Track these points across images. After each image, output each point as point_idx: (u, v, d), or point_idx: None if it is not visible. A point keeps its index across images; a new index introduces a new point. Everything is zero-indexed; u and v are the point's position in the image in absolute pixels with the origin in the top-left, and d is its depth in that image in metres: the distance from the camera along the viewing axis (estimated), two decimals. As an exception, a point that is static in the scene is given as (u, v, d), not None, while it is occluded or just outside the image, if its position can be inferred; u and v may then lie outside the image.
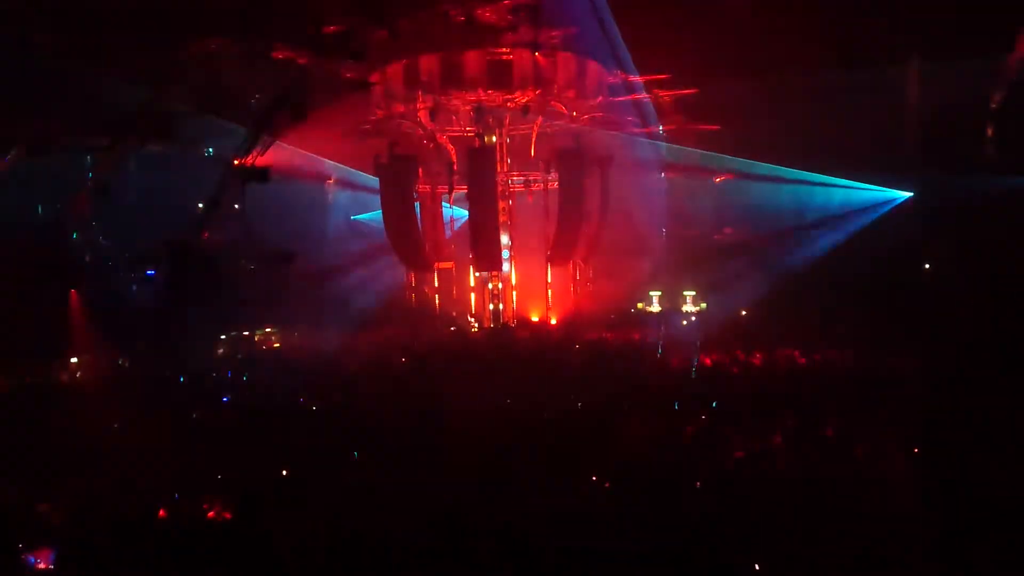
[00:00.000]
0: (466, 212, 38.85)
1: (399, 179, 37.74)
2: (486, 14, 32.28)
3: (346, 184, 45.47)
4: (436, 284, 39.94)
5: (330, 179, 45.34)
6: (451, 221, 41.19)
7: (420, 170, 38.85)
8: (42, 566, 12.86)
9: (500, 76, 35.46)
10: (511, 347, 33.88)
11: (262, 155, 30.32)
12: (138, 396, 24.35)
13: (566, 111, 37.76)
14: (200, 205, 31.52)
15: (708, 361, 28.67)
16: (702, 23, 32.02)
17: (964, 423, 17.81)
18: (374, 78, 36.19)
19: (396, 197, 37.94)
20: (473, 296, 40.04)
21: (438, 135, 38.99)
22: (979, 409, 18.59)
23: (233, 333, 37.26)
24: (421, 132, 38.66)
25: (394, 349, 33.98)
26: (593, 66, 37.49)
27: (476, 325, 38.35)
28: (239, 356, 34.32)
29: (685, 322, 42.17)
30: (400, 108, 37.34)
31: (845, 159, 37.68)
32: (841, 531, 12.88)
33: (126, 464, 17.19)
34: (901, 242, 37.23)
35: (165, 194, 34.57)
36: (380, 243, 40.43)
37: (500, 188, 37.99)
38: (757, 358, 29.18)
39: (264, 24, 29.90)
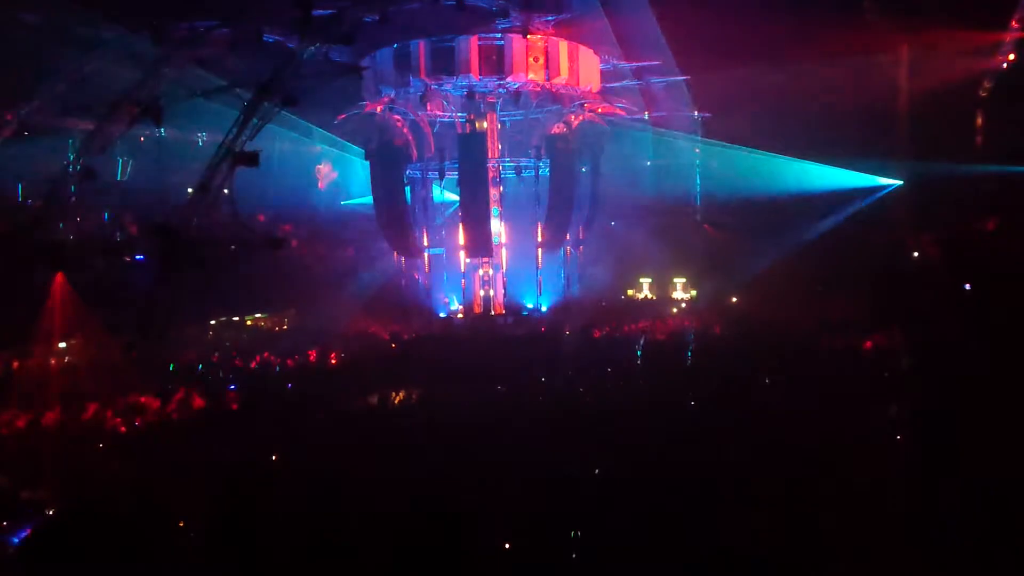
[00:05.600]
0: (457, 198, 38.74)
1: (389, 165, 37.56)
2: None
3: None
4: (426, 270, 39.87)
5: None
6: (442, 207, 41.09)
7: (411, 156, 38.71)
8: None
9: (493, 61, 35.32)
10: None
11: (252, 139, 30.07)
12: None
13: (561, 98, 37.54)
14: (189, 190, 31.29)
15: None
16: (693, 11, 31.92)
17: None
18: (364, 63, 35.96)
19: (386, 183, 37.77)
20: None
21: (429, 121, 38.75)
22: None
23: (223, 319, 37.24)
24: (412, 117, 38.39)
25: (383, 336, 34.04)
26: (588, 51, 37.37)
27: (462, 313, 38.30)
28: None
29: (675, 309, 42.40)
30: (390, 93, 37.12)
31: (835, 148, 37.76)
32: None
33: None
34: (889, 230, 37.43)
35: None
36: (370, 228, 40.37)
37: (491, 174, 37.87)
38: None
39: (254, 6, 29.61)
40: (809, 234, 39.57)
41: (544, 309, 38.80)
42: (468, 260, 38.31)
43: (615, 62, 38.97)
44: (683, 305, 43.45)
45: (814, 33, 32.69)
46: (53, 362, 29.81)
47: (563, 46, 36.19)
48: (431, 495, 13.71)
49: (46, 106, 29.94)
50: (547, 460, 16.24)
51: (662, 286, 45.76)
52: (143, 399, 23.38)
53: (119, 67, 29.06)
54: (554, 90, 36.87)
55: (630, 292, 46.00)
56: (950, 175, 35.13)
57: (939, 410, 18.01)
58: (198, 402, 23.34)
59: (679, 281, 45.28)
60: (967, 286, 32.11)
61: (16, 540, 13.02)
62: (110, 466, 17.34)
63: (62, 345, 31.19)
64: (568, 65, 36.45)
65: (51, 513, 14.23)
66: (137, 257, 32.66)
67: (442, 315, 38.70)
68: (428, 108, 37.79)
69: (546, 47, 35.86)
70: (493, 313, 38.50)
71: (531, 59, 35.54)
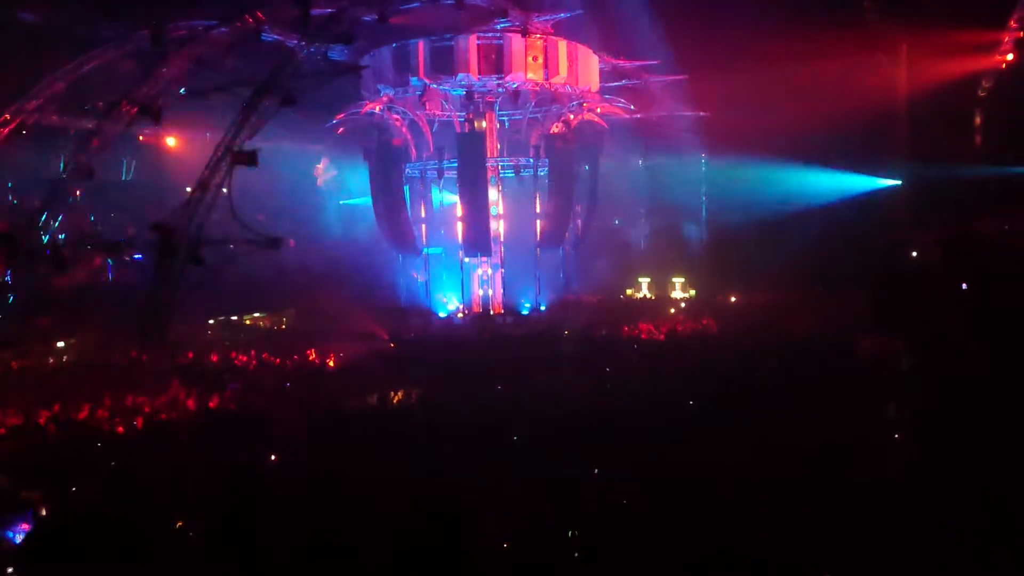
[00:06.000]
0: (455, 199, 38.69)
1: (388, 164, 37.53)
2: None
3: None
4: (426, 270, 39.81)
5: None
6: (440, 206, 41.02)
7: (410, 155, 38.76)
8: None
9: (492, 60, 35.28)
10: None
11: (250, 138, 30.03)
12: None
13: (560, 97, 37.46)
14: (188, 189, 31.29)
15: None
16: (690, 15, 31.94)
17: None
18: (364, 62, 35.90)
19: (385, 182, 37.72)
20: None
21: (428, 120, 38.71)
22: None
23: (222, 318, 37.19)
24: (411, 117, 38.36)
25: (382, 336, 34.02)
26: (587, 51, 37.34)
27: (463, 313, 38.24)
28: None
29: (673, 309, 42.41)
30: (389, 92, 37.06)
31: (832, 152, 37.76)
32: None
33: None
34: (889, 231, 37.42)
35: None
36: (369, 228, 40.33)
37: (490, 173, 37.82)
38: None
39: (253, 5, 29.58)
40: (809, 234, 39.54)
41: (543, 309, 38.76)
42: (467, 259, 38.24)
43: (614, 62, 38.99)
44: (682, 305, 43.43)
45: (811, 36, 32.71)
46: (51, 361, 29.81)
47: (562, 46, 36.16)
48: (431, 495, 13.67)
49: (45, 105, 29.88)
50: (547, 460, 16.24)
51: (661, 285, 45.76)
52: (139, 399, 23.36)
53: (118, 66, 29.03)
54: (553, 89, 36.83)
55: (629, 292, 46.01)
56: (949, 176, 35.14)
57: (939, 410, 18.01)
58: (192, 402, 23.32)
59: (678, 280, 45.29)
60: (964, 286, 32.15)
61: (16, 538, 13.00)
62: (107, 465, 17.29)
63: (60, 344, 31.19)
64: (567, 65, 36.42)
65: (50, 513, 14.20)
66: (136, 256, 32.64)
67: (442, 315, 38.65)
68: (427, 107, 37.72)
69: (545, 46, 35.81)
70: (492, 313, 38.44)
71: (530, 58, 35.47)
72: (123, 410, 22.25)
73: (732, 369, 24.53)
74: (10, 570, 12.39)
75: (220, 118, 28.04)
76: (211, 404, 23.29)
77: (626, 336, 35.03)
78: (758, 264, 38.62)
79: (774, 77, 34.64)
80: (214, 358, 30.49)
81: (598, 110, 39.86)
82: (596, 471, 16.11)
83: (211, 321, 38.30)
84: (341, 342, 32.16)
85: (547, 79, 36.15)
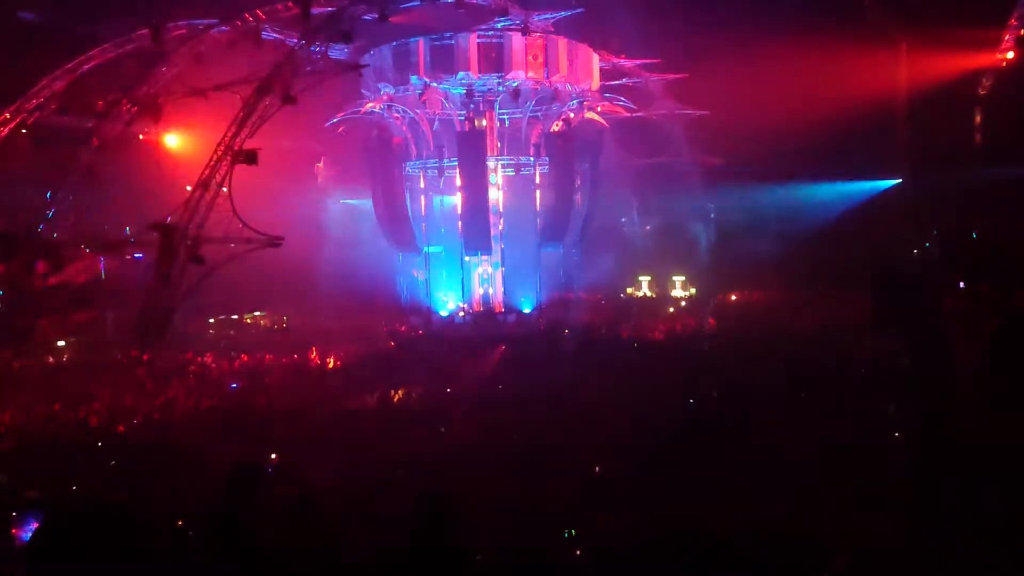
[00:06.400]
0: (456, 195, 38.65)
1: (388, 162, 37.52)
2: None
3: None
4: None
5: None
6: (441, 205, 41.00)
7: (410, 153, 38.76)
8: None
9: (492, 59, 35.27)
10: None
11: (250, 137, 30.06)
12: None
13: (560, 95, 37.45)
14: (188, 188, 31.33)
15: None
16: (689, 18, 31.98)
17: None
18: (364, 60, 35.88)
19: (385, 180, 37.70)
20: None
21: (428, 118, 38.69)
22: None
23: (222, 317, 37.19)
24: (411, 115, 38.34)
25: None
26: (587, 49, 37.34)
27: (464, 312, 38.21)
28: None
29: (673, 308, 42.44)
30: (390, 91, 37.05)
31: (833, 148, 37.72)
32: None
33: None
34: (889, 230, 37.41)
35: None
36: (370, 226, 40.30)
37: (490, 172, 37.80)
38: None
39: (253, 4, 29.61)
40: (809, 234, 39.52)
41: (543, 308, 38.73)
42: (468, 258, 38.20)
43: (614, 60, 39.02)
44: (682, 303, 43.45)
45: (810, 36, 32.70)
46: (51, 361, 29.83)
47: (562, 44, 36.15)
48: (431, 495, 13.66)
49: (45, 105, 29.89)
50: (547, 459, 16.25)
51: (661, 284, 45.77)
52: (139, 399, 23.37)
53: (118, 66, 29.03)
54: (553, 88, 36.81)
55: (629, 290, 46.01)
56: (949, 176, 35.12)
57: (939, 410, 17.99)
58: (192, 402, 23.33)
59: (678, 279, 45.29)
60: (962, 285, 32.18)
61: (25, 537, 13.01)
62: (107, 465, 17.30)
63: (60, 344, 31.22)
64: (567, 63, 36.41)
65: (50, 513, 14.20)
66: (136, 255, 32.66)
67: (443, 314, 38.63)
68: (427, 106, 37.69)
69: (545, 45, 35.80)
70: (493, 311, 38.41)
71: (530, 57, 35.46)
72: (123, 410, 22.25)
73: (732, 368, 24.53)
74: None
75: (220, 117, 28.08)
76: (211, 404, 23.30)
77: (626, 335, 35.05)
78: (758, 263, 38.63)
79: (773, 76, 34.62)
80: (212, 357, 30.49)
81: (598, 108, 39.86)
82: (596, 470, 16.12)
83: (211, 320, 38.34)
84: (341, 342, 32.19)
85: (547, 77, 36.14)
